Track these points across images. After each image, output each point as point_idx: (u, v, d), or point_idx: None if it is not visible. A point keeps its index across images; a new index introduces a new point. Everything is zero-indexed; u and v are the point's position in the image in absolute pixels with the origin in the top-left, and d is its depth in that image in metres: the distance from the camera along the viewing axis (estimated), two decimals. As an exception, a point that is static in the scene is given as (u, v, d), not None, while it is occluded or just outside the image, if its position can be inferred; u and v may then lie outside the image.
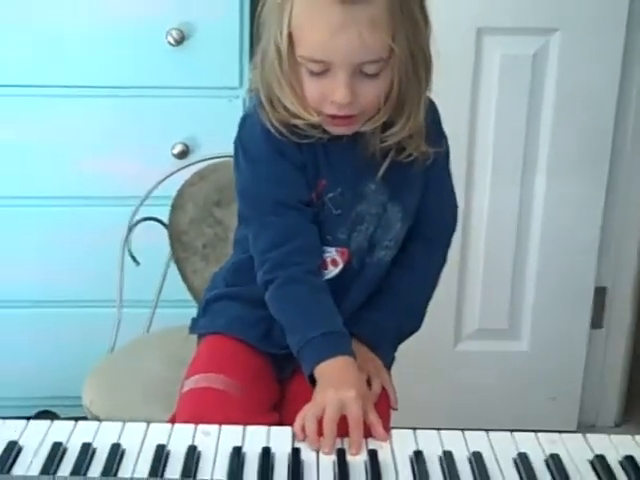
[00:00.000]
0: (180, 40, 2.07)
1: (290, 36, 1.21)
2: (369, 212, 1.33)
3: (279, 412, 1.33)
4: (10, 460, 1.06)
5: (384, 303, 1.38)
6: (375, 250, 1.36)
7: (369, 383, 1.29)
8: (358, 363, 1.24)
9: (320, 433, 1.12)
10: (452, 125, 2.13)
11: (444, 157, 1.42)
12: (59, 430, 1.13)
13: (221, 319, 1.40)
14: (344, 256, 1.34)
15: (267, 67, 1.26)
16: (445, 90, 2.09)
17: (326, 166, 1.31)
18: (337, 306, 1.29)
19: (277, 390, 1.37)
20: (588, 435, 1.16)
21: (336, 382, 1.18)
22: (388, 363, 1.38)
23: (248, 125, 1.32)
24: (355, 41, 1.18)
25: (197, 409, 1.25)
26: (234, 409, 1.25)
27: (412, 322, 1.42)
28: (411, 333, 1.42)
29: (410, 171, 1.33)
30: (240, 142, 1.33)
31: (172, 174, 1.82)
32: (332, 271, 1.33)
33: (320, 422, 1.13)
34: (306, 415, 1.14)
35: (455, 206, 1.47)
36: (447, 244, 1.47)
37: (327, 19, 1.18)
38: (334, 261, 1.33)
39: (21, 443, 1.10)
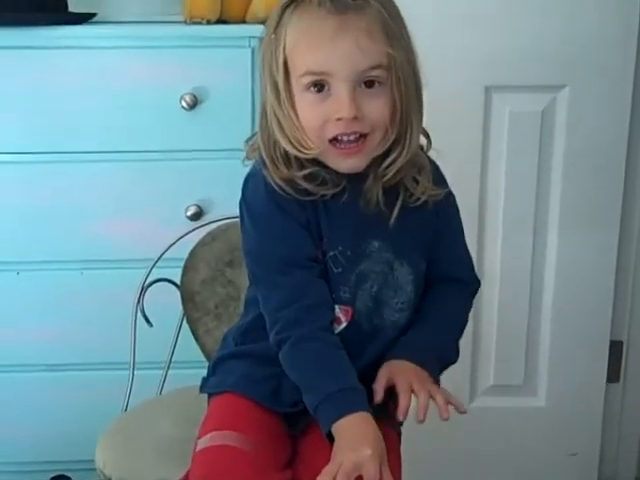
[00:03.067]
0: (193, 104, 2.11)
1: (286, 65, 1.23)
2: (373, 270, 1.33)
3: (292, 469, 1.32)
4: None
5: (420, 330, 1.36)
6: (384, 310, 1.35)
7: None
8: (416, 382, 1.26)
9: None
10: (463, 182, 2.14)
11: (454, 212, 1.43)
12: (71, 492, 1.14)
13: (230, 378, 1.39)
14: (347, 315, 1.33)
15: (267, 114, 1.27)
16: (455, 147, 2.15)
17: (327, 225, 1.31)
18: None
19: (289, 446, 1.36)
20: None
21: (354, 440, 1.17)
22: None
23: (251, 185, 1.33)
24: (353, 46, 1.20)
25: (210, 467, 1.25)
26: (247, 466, 1.25)
27: (449, 351, 1.39)
28: (449, 363, 1.39)
29: (415, 229, 1.34)
30: (245, 202, 1.34)
31: (184, 236, 1.84)
32: (335, 329, 1.32)
33: None
34: (323, 475, 1.14)
35: (470, 260, 1.47)
36: (470, 290, 1.46)
37: (323, 30, 1.20)
38: (337, 319, 1.32)
39: (33, 505, 1.11)
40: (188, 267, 1.80)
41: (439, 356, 1.37)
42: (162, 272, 1.84)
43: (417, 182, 1.31)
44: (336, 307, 1.32)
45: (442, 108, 2.14)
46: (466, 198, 2.16)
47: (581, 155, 2.19)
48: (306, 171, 1.27)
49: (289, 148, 1.26)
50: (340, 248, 1.31)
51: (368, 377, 1.31)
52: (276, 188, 1.28)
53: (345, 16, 1.20)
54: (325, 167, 1.28)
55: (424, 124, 1.34)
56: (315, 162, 1.28)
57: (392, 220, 1.30)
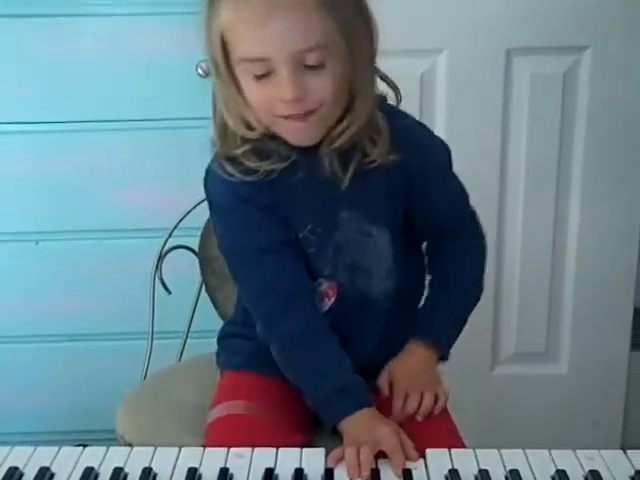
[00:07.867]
0: (209, 72, 2.08)
1: (224, 44, 1.17)
2: (348, 241, 1.29)
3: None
4: (42, 486, 1.06)
5: (438, 299, 1.36)
6: (370, 279, 1.32)
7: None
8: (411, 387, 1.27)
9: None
10: (483, 146, 2.14)
11: (440, 161, 1.33)
12: (91, 456, 1.12)
13: (237, 358, 1.41)
14: (333, 290, 1.31)
15: (215, 93, 1.23)
16: (476, 111, 2.12)
17: (290, 205, 1.27)
18: (353, 345, 1.27)
19: (306, 411, 1.32)
20: (629, 451, 1.13)
21: (365, 429, 1.17)
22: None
23: (210, 177, 1.31)
24: (286, 26, 1.12)
25: (224, 437, 1.23)
26: (261, 432, 1.24)
27: (468, 307, 1.38)
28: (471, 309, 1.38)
29: (383, 191, 1.28)
30: (207, 196, 1.33)
31: (201, 202, 1.81)
32: (326, 304, 1.31)
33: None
34: (346, 450, 1.12)
35: (465, 194, 1.37)
36: (476, 227, 1.40)
37: (254, 10, 1.12)
38: (326, 293, 1.31)
39: (53, 469, 1.09)
40: (206, 233, 1.78)
41: (458, 320, 1.37)
42: (180, 240, 1.83)
43: (375, 144, 1.23)
44: (324, 282, 1.31)
45: (462, 71, 2.12)
46: (487, 162, 2.16)
47: (604, 118, 2.15)
48: (248, 146, 1.23)
49: (237, 128, 1.22)
50: (309, 227, 1.27)
51: (372, 356, 1.32)
52: (226, 176, 1.25)
53: None
54: (272, 140, 1.24)
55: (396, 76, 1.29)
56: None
57: (345, 182, 1.23)
